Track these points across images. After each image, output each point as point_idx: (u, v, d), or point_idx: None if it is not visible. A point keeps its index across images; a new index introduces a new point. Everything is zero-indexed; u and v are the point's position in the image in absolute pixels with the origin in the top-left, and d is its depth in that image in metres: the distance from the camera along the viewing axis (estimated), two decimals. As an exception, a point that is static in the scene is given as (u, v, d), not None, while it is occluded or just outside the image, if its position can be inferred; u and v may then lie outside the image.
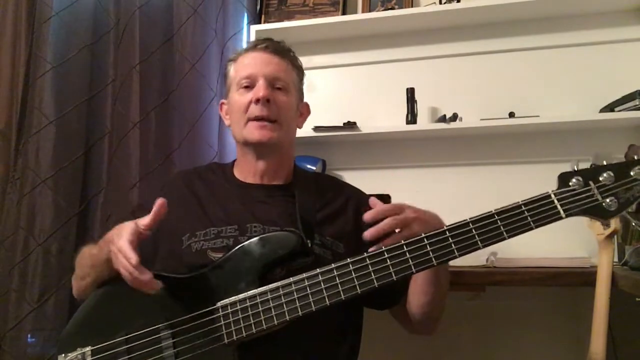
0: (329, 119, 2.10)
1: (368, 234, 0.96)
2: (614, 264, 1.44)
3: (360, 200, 1.27)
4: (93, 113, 2.18)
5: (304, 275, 0.96)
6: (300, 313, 0.94)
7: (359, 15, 2.22)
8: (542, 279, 1.58)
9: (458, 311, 1.88)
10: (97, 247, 1.07)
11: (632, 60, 2.00)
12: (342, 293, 0.93)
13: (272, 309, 0.95)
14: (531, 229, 0.91)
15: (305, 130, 2.01)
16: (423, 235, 0.94)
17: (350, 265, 0.95)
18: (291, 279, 0.96)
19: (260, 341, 0.97)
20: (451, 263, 0.98)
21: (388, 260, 0.93)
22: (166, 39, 2.18)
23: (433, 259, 0.92)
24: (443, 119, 2.03)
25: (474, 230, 0.92)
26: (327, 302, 0.94)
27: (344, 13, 2.26)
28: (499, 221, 0.92)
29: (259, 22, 2.28)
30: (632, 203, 0.90)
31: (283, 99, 1.23)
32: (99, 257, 1.05)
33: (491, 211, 0.93)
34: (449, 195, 2.02)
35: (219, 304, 0.98)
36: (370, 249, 0.95)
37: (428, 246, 0.93)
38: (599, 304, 1.36)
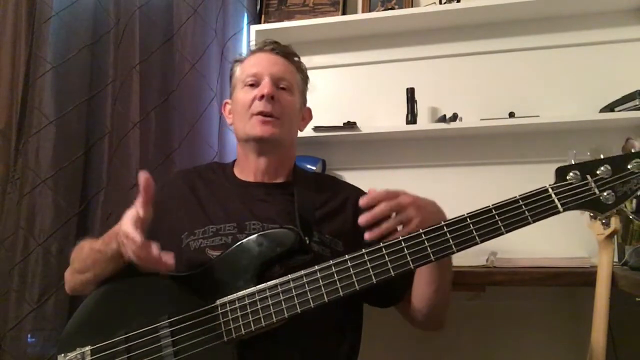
0: (329, 119, 2.10)
1: (363, 218, 0.96)
2: (614, 264, 1.44)
3: (359, 198, 1.27)
4: (93, 113, 2.18)
5: (303, 272, 0.96)
6: (299, 310, 0.94)
7: (359, 15, 2.22)
8: (542, 279, 1.58)
9: (458, 311, 1.88)
10: (101, 242, 1.07)
11: (632, 60, 2.00)
12: (340, 290, 0.93)
13: (271, 307, 0.95)
14: (529, 223, 0.91)
15: (305, 130, 2.00)
16: (421, 230, 0.94)
17: (349, 262, 0.95)
18: (290, 277, 0.96)
19: (259, 339, 0.97)
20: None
21: (386, 257, 0.93)
22: (166, 39, 2.19)
23: (431, 255, 0.92)
24: (443, 119, 2.03)
25: (471, 226, 0.92)
26: (326, 299, 0.94)
27: (344, 13, 2.26)
28: (496, 216, 0.92)
29: (259, 22, 2.28)
30: (629, 196, 0.90)
31: (287, 98, 1.25)
32: (103, 252, 1.05)
33: (489, 206, 0.93)
34: (449, 195, 1.99)
35: (218, 301, 0.98)
36: (366, 235, 0.95)
37: (426, 242, 0.93)
38: (599, 304, 1.36)
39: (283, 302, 0.95)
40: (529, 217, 0.91)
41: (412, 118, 2.08)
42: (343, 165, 2.21)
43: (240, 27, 2.24)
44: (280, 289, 0.96)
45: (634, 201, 0.92)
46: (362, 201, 0.98)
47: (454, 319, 1.90)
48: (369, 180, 1.72)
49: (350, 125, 2.08)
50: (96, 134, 2.17)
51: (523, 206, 0.91)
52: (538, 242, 1.69)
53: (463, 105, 2.08)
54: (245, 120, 1.23)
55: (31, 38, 2.17)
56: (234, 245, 1.03)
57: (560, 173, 0.93)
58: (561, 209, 0.91)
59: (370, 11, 2.24)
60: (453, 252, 0.93)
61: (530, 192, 0.93)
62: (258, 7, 2.31)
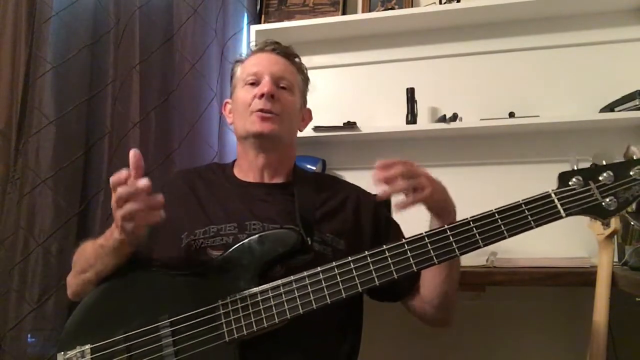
0: (329, 119, 2.11)
1: (378, 176, 0.96)
2: (614, 264, 1.44)
3: (359, 196, 1.28)
4: (93, 113, 2.18)
5: (305, 273, 0.96)
6: (301, 311, 0.94)
7: (359, 15, 2.22)
8: (542, 279, 1.58)
9: (458, 311, 1.88)
10: (103, 237, 1.07)
11: (632, 60, 2.00)
12: (343, 291, 0.94)
13: (273, 307, 0.95)
14: (532, 228, 0.91)
15: (305, 130, 2.00)
16: (424, 234, 0.94)
17: (352, 264, 0.95)
18: (292, 277, 0.96)
19: (261, 339, 0.96)
20: (451, 262, 0.98)
21: (389, 259, 0.94)
22: (166, 39, 2.19)
23: (434, 257, 0.93)
24: (443, 119, 2.03)
25: (474, 229, 0.92)
26: (328, 300, 0.94)
27: (344, 13, 2.26)
28: (499, 220, 0.92)
29: (259, 22, 2.28)
30: (631, 202, 0.91)
31: (287, 98, 1.25)
32: (105, 246, 1.04)
33: (492, 210, 0.93)
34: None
35: (219, 301, 0.98)
36: (378, 192, 0.96)
37: (429, 244, 0.93)
38: (599, 304, 1.37)
39: (285, 303, 0.95)
40: (532, 222, 0.91)
41: (412, 118, 2.09)
42: (343, 165, 2.21)
43: (240, 27, 2.24)
44: (282, 290, 0.96)
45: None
46: (379, 163, 0.98)
47: (454, 319, 1.90)
48: (369, 180, 1.72)
49: (350, 125, 2.08)
50: (96, 134, 2.17)
51: (526, 211, 0.92)
52: (538, 242, 1.69)
53: (463, 105, 2.08)
54: (245, 117, 1.23)
55: (31, 38, 2.17)
56: (235, 245, 1.03)
57: (563, 178, 0.94)
58: (564, 214, 0.91)
59: (370, 11, 2.24)
60: (456, 256, 0.93)
61: (533, 197, 0.93)
62: (258, 7, 2.31)
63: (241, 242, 1.03)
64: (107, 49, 2.19)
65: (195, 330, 0.96)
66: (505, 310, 1.97)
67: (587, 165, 0.95)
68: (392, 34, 2.21)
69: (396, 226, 1.30)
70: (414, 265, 0.93)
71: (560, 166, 0.98)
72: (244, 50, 2.14)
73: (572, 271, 1.60)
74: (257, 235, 1.02)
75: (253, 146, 1.25)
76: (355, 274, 0.94)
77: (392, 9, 2.20)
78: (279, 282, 0.96)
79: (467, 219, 0.94)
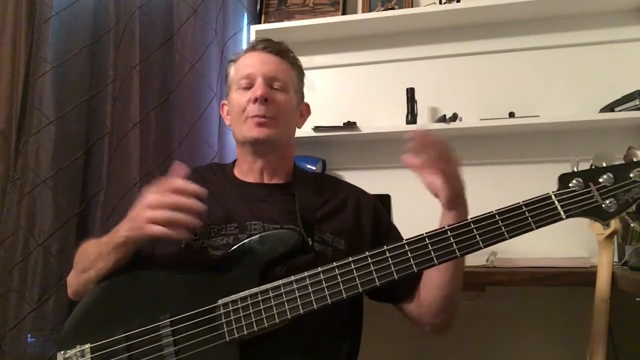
0: (329, 119, 2.11)
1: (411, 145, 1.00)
2: (614, 264, 1.44)
3: (359, 197, 1.28)
4: (93, 113, 2.18)
5: (306, 273, 0.96)
6: (301, 311, 0.94)
7: (359, 15, 2.22)
8: (542, 279, 1.58)
9: (458, 311, 1.88)
10: (107, 236, 1.07)
11: (632, 60, 2.00)
12: (343, 292, 0.93)
13: (274, 307, 0.95)
14: (532, 229, 0.91)
15: (305, 130, 2.02)
16: (424, 234, 0.94)
17: (352, 264, 0.95)
18: (292, 278, 0.96)
19: (261, 339, 0.96)
20: (451, 262, 0.98)
21: (390, 259, 0.94)
22: (166, 39, 2.19)
23: (434, 258, 0.93)
24: (443, 119, 2.03)
25: (475, 230, 0.92)
26: (329, 301, 0.94)
27: (344, 13, 2.26)
28: (500, 221, 0.92)
29: (259, 22, 2.28)
30: (631, 204, 0.91)
31: (281, 98, 1.23)
32: (110, 243, 1.04)
33: (492, 211, 0.93)
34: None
35: (220, 301, 0.97)
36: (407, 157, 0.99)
37: (429, 245, 0.93)
38: (599, 304, 1.37)
39: (286, 303, 0.95)
40: (532, 224, 0.91)
41: (412, 118, 2.09)
42: (343, 165, 2.21)
43: (240, 27, 2.24)
44: (283, 290, 0.96)
45: (634, 203, 0.93)
46: (410, 134, 1.01)
47: (452, 327, 1.90)
48: (369, 180, 1.73)
49: (350, 125, 2.08)
50: (96, 134, 2.17)
51: (526, 212, 0.92)
52: (538, 242, 1.69)
53: (463, 105, 2.08)
54: (241, 123, 1.23)
55: (31, 38, 2.17)
56: (236, 245, 1.03)
57: (563, 180, 0.94)
58: (564, 216, 0.91)
59: (370, 11, 2.24)
60: (456, 257, 0.93)
61: (534, 198, 0.93)
62: (258, 7, 2.31)
63: (242, 242, 1.03)
64: (107, 49, 2.19)
65: (196, 330, 0.96)
66: (505, 310, 1.97)
67: (587, 165, 0.95)
68: (392, 34, 2.21)
69: (395, 228, 1.30)
70: (414, 266, 0.93)
71: (560, 166, 0.98)
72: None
73: (572, 271, 1.60)
74: (257, 235, 1.02)
75: (251, 151, 1.25)
76: (355, 274, 0.94)
77: (392, 9, 2.20)
78: (280, 282, 0.96)
79: (467, 219, 0.94)
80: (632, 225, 1.51)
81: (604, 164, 0.93)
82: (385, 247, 0.95)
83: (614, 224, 1.36)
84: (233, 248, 1.03)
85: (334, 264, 0.95)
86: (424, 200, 1.15)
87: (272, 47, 1.27)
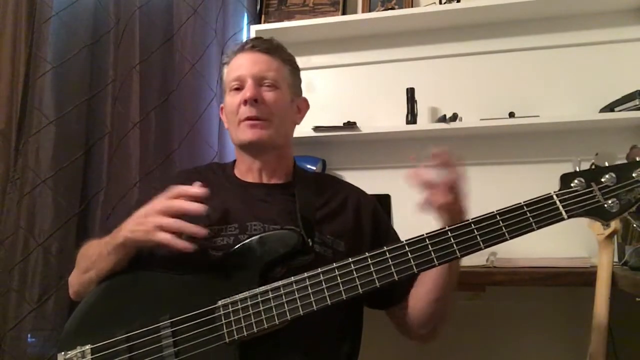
0: (329, 119, 2.11)
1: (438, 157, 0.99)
2: (614, 264, 1.44)
3: (359, 198, 1.28)
4: (93, 113, 2.18)
5: (306, 274, 0.96)
6: (301, 312, 0.94)
7: (359, 15, 2.22)
8: (542, 279, 1.58)
9: (458, 311, 1.88)
10: (109, 237, 1.07)
11: (632, 60, 2.00)
12: (343, 293, 0.93)
13: (274, 308, 0.95)
14: (533, 230, 0.91)
15: (305, 130, 2.02)
16: (425, 235, 0.94)
17: (352, 265, 0.94)
18: (292, 278, 0.96)
19: (261, 340, 0.96)
20: (452, 263, 0.98)
21: (390, 260, 0.93)
22: (166, 39, 2.19)
23: (435, 259, 0.92)
24: (443, 119, 2.03)
25: (475, 231, 0.92)
26: (329, 302, 0.93)
27: (344, 13, 2.26)
28: (501, 222, 0.91)
29: (259, 22, 2.28)
30: (633, 205, 0.90)
31: (272, 97, 1.22)
32: (110, 243, 1.04)
33: (493, 212, 0.93)
34: (449, 195, 2.02)
35: (219, 302, 0.97)
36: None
37: (430, 246, 0.93)
38: (599, 304, 1.37)
39: (286, 304, 0.95)
40: (534, 224, 0.90)
41: (412, 118, 2.09)
42: (343, 165, 2.21)
43: (240, 27, 2.24)
44: (283, 291, 0.96)
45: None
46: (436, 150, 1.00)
47: (454, 319, 1.90)
48: (369, 180, 1.73)
49: (350, 125, 2.08)
50: (96, 134, 2.17)
51: (528, 212, 0.91)
52: (538, 242, 1.68)
53: (463, 105, 2.08)
54: (235, 126, 1.23)
55: (31, 38, 2.18)
56: (237, 246, 1.03)
57: (565, 180, 0.93)
58: (565, 216, 0.91)
59: (370, 11, 2.24)
60: (457, 257, 0.93)
61: (535, 198, 0.92)
62: (258, 7, 2.31)
63: (242, 243, 1.03)
64: (107, 49, 2.19)
65: (196, 331, 0.96)
66: (505, 310, 1.97)
67: (587, 165, 0.95)
68: (392, 34, 2.21)
69: (394, 231, 1.30)
70: (414, 267, 0.92)
71: (560, 166, 0.98)
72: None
73: (572, 271, 1.60)
74: (258, 236, 1.02)
75: (247, 153, 1.25)
76: (355, 275, 0.94)
77: (392, 9, 2.20)
78: (280, 283, 0.96)
79: (468, 220, 0.93)
80: (634, 225, 1.51)
81: (606, 164, 0.92)
82: (385, 248, 0.94)
83: (614, 223, 1.36)
84: (233, 249, 1.03)
85: (334, 264, 0.95)
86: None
87: (261, 46, 1.26)
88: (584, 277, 1.51)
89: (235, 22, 2.24)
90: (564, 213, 0.91)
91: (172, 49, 2.17)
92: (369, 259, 0.94)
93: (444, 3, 2.11)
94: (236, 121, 1.22)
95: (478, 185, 2.06)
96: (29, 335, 1.98)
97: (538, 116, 1.96)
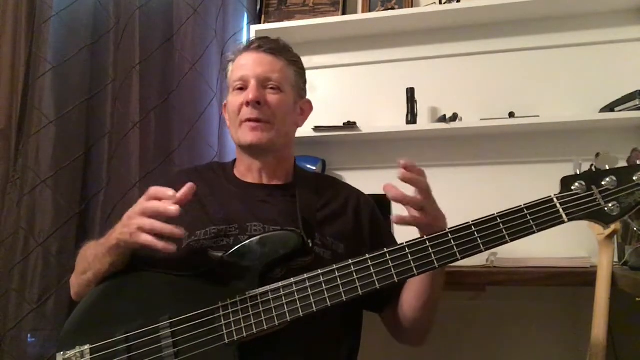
0: (329, 119, 2.11)
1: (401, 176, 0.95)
2: (614, 264, 1.44)
3: (359, 200, 1.28)
4: (93, 113, 2.18)
5: (305, 275, 0.96)
6: (301, 314, 0.94)
7: (359, 15, 2.22)
8: (542, 279, 1.58)
9: (458, 311, 1.88)
10: (104, 238, 1.07)
11: (632, 60, 2.00)
12: (343, 294, 0.93)
13: (273, 309, 0.95)
14: (534, 232, 0.91)
15: (305, 130, 2.02)
16: (425, 237, 0.94)
17: (352, 267, 0.94)
18: (292, 279, 0.96)
19: (260, 341, 0.97)
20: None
21: (390, 262, 0.93)
22: (166, 39, 2.18)
23: (435, 261, 0.92)
24: (443, 119, 2.03)
25: (476, 233, 0.92)
26: (329, 303, 0.94)
27: (344, 13, 2.26)
28: (501, 224, 0.92)
29: (259, 22, 2.28)
30: (634, 208, 0.90)
31: (276, 99, 1.22)
32: (105, 245, 1.05)
33: (494, 214, 0.93)
34: (449, 195, 1.99)
35: (219, 303, 0.98)
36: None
37: (430, 248, 0.93)
38: (599, 304, 1.37)
39: (285, 305, 0.95)
40: (534, 227, 0.91)
41: (412, 118, 2.09)
42: (343, 165, 2.21)
43: (240, 27, 2.24)
44: (282, 292, 0.96)
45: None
46: (404, 162, 0.96)
47: (454, 319, 1.91)
48: (369, 180, 1.73)
49: (350, 125, 2.08)
50: (96, 134, 2.17)
51: (528, 215, 0.91)
52: (538, 242, 1.69)
53: (463, 105, 2.08)
54: (236, 126, 1.23)
55: (31, 38, 2.17)
56: (237, 247, 1.03)
57: (566, 183, 0.93)
58: (566, 219, 0.91)
59: (370, 11, 2.24)
60: (457, 260, 0.92)
61: (536, 201, 0.93)
62: (258, 7, 2.31)
63: (242, 244, 1.02)
64: (107, 49, 2.19)
65: (196, 332, 0.96)
66: (505, 310, 1.96)
67: (587, 165, 0.95)
68: (392, 34, 2.21)
69: (393, 235, 1.31)
70: (414, 269, 0.93)
71: (560, 166, 0.98)
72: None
73: (572, 271, 1.60)
74: (258, 237, 1.02)
75: (248, 154, 1.25)
76: (356, 276, 0.94)
77: (392, 9, 2.20)
78: (279, 284, 0.96)
79: (468, 222, 0.93)
80: (635, 229, 1.51)
81: (607, 167, 0.93)
82: (385, 250, 0.94)
83: (614, 224, 1.35)
84: (233, 250, 1.03)
85: (334, 266, 0.95)
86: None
87: (267, 46, 1.25)
88: (584, 277, 1.51)
89: (235, 22, 2.23)
90: (564, 216, 0.91)
91: (172, 49, 2.17)
92: (369, 261, 0.94)
93: (444, 3, 2.11)
94: (238, 121, 1.22)
95: (478, 185, 2.10)
96: (29, 335, 1.97)
97: (538, 116, 1.96)
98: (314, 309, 0.94)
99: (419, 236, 0.96)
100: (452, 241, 0.92)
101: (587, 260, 1.67)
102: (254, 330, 0.95)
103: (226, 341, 0.95)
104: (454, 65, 2.17)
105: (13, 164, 2.12)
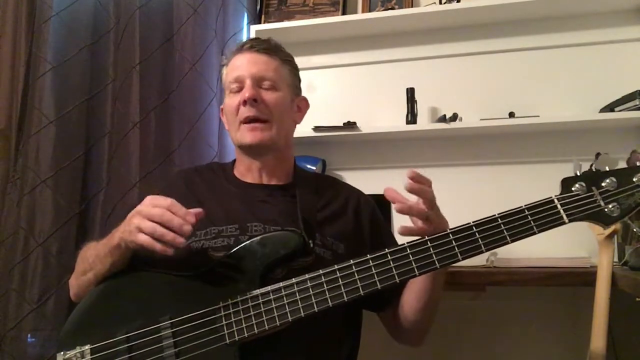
0: (329, 119, 2.11)
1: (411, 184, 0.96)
2: (614, 264, 1.44)
3: (359, 200, 1.28)
4: (93, 113, 2.18)
5: (307, 276, 0.96)
6: (302, 314, 0.94)
7: (359, 15, 2.22)
8: (542, 279, 1.58)
9: (458, 311, 1.88)
10: (106, 238, 1.07)
11: (632, 60, 2.00)
12: (345, 294, 0.93)
13: (274, 310, 0.95)
14: (534, 233, 0.91)
15: (305, 130, 2.02)
16: (426, 238, 0.94)
17: (354, 267, 0.95)
18: (293, 280, 0.96)
19: (261, 341, 0.97)
20: (452, 264, 0.98)
21: (391, 262, 0.93)
22: (166, 39, 2.19)
23: (436, 262, 0.92)
24: (443, 119, 2.03)
25: (477, 234, 0.92)
26: (330, 303, 0.94)
27: (344, 13, 2.26)
28: (502, 225, 0.92)
29: (259, 22, 2.28)
30: (634, 209, 0.91)
31: (272, 97, 1.22)
32: (107, 245, 1.05)
33: (494, 215, 0.93)
34: (449, 195, 2.00)
35: (220, 303, 0.97)
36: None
37: (431, 249, 0.93)
38: (599, 304, 1.37)
39: (287, 306, 0.95)
40: (535, 227, 0.91)
41: (412, 118, 2.09)
42: (343, 165, 2.21)
43: (240, 27, 2.24)
44: (284, 292, 0.96)
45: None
46: (412, 172, 0.97)
47: (454, 319, 1.91)
48: (369, 180, 1.73)
49: (350, 125, 2.08)
50: (96, 134, 2.17)
51: (529, 216, 0.91)
52: (538, 242, 1.69)
53: (463, 105, 2.08)
54: (235, 128, 1.23)
55: (31, 38, 2.17)
56: (238, 247, 1.03)
57: (566, 184, 0.94)
58: (566, 220, 0.91)
59: (370, 11, 2.24)
60: (458, 260, 0.92)
61: (536, 202, 0.93)
62: (258, 7, 2.31)
63: (243, 244, 1.02)
64: (107, 49, 2.19)
65: (196, 332, 0.96)
66: (505, 310, 1.97)
67: (587, 166, 0.95)
68: (392, 34, 2.21)
69: (392, 233, 1.31)
70: (416, 270, 0.93)
71: (560, 166, 0.98)
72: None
73: (572, 271, 1.60)
74: (258, 237, 1.02)
75: (247, 154, 1.25)
76: (357, 277, 0.94)
77: (392, 9, 2.20)
78: (280, 284, 0.96)
79: (469, 223, 0.93)
80: (635, 230, 1.51)
81: (607, 168, 0.93)
82: (387, 250, 0.94)
83: (614, 224, 1.35)
84: (234, 250, 1.03)
85: (335, 266, 0.95)
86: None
87: (259, 46, 1.26)
88: (584, 277, 1.51)
89: (235, 22, 2.24)
90: (564, 217, 0.92)
91: (172, 49, 2.17)
92: (371, 261, 0.94)
93: (444, 3, 2.11)
94: (236, 122, 1.22)
95: (478, 185, 2.10)
96: (29, 335, 1.98)
97: (538, 116, 1.96)
98: (316, 309, 0.94)
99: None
100: (453, 242, 0.93)
101: (587, 260, 1.67)
102: (255, 331, 0.95)
103: (227, 341, 0.95)
104: (454, 65, 2.17)
105: (13, 164, 2.12)
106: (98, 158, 2.15)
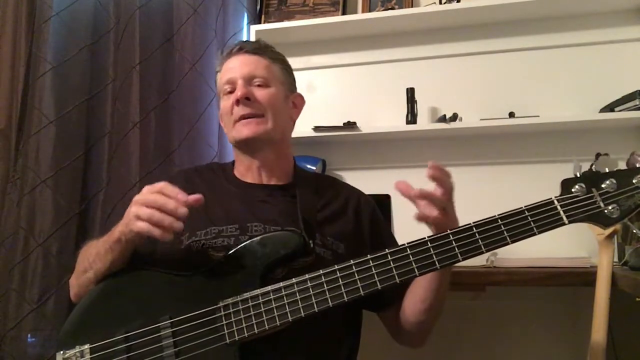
0: (329, 119, 2.11)
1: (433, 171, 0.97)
2: (614, 264, 1.44)
3: (359, 200, 1.28)
4: (93, 113, 2.18)
5: (307, 276, 0.96)
6: (302, 314, 0.94)
7: (359, 15, 2.22)
8: (542, 279, 1.58)
9: (458, 311, 1.88)
10: (107, 235, 1.07)
11: (632, 60, 2.00)
12: (345, 295, 0.93)
13: (275, 310, 0.95)
14: (534, 234, 0.91)
15: (305, 130, 2.02)
16: (427, 238, 0.94)
17: (354, 267, 0.94)
18: (294, 280, 0.96)
19: (262, 340, 0.96)
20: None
21: (391, 263, 0.93)
22: (166, 39, 2.19)
23: (436, 262, 0.92)
24: (443, 119, 2.03)
25: (477, 235, 0.92)
26: (330, 304, 0.94)
27: (344, 13, 2.26)
28: (502, 226, 0.92)
29: (259, 22, 2.28)
30: (633, 211, 0.91)
31: (263, 92, 1.23)
32: (107, 241, 1.05)
33: (495, 216, 0.93)
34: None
35: (220, 303, 0.97)
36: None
37: (432, 249, 0.93)
38: (599, 304, 1.37)
39: (287, 305, 0.95)
40: (535, 228, 0.91)
41: (412, 118, 2.09)
42: (343, 165, 2.21)
43: (240, 27, 2.24)
44: (284, 292, 0.96)
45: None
46: (433, 163, 0.99)
47: (454, 319, 1.90)
48: (369, 180, 1.73)
49: (350, 125, 2.08)
50: (96, 134, 2.17)
51: (529, 217, 0.92)
52: (538, 242, 1.69)
53: (463, 105, 2.08)
54: (231, 127, 1.24)
55: (31, 38, 2.17)
56: (238, 247, 1.03)
57: (566, 185, 0.94)
58: (566, 221, 0.91)
59: (370, 11, 2.24)
60: (458, 261, 0.92)
61: (536, 203, 0.93)
62: (258, 7, 2.31)
63: (243, 244, 1.02)
64: (107, 49, 2.19)
65: (196, 331, 0.96)
66: (505, 310, 1.97)
67: (587, 166, 0.95)
68: (392, 34, 2.21)
69: (392, 233, 1.31)
70: (416, 270, 0.93)
71: (560, 166, 0.99)
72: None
73: (572, 271, 1.60)
74: (259, 237, 1.02)
75: (245, 151, 1.25)
76: (357, 277, 0.94)
77: (392, 9, 2.20)
78: (281, 284, 0.96)
79: (470, 224, 0.93)
80: (634, 231, 1.51)
81: (607, 169, 0.93)
82: (387, 250, 0.94)
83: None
84: (234, 250, 1.03)
85: (335, 266, 0.95)
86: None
87: (248, 47, 1.27)
88: (584, 277, 1.51)
89: (235, 22, 2.24)
90: (564, 218, 0.91)
91: (172, 49, 2.17)
92: (371, 261, 0.94)
93: (444, 3, 2.11)
94: (231, 122, 1.23)
95: (478, 185, 2.10)
96: (29, 335, 1.98)
97: (538, 116, 1.96)
98: (316, 309, 0.94)
99: (420, 237, 0.96)
100: (453, 242, 0.92)
101: (587, 260, 1.67)
102: (255, 330, 0.95)
103: (227, 341, 0.95)
104: (454, 65, 2.17)
105: (13, 164, 2.12)
106: (98, 158, 2.15)
